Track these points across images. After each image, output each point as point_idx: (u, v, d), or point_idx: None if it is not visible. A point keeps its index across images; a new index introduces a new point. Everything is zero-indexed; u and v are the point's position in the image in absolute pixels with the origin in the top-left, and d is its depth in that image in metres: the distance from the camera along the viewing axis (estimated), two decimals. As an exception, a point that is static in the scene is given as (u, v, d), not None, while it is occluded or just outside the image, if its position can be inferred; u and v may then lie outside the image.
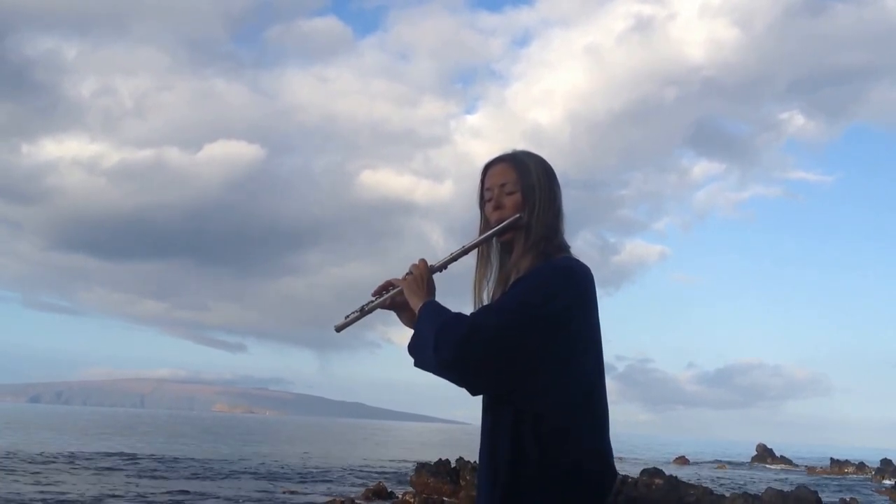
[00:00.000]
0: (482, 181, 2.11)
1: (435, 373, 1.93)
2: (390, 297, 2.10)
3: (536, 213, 2.02)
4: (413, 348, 2.02)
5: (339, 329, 2.11)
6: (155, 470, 21.99)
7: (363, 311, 2.10)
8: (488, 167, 2.11)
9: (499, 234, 2.06)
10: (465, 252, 2.10)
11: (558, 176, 2.10)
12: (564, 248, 2.05)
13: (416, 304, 2.04)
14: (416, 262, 2.10)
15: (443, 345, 1.89)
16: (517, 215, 2.03)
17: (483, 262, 2.12)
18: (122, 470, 21.46)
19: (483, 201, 2.11)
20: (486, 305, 2.03)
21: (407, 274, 2.10)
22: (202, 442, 42.50)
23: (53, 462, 22.57)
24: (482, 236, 2.09)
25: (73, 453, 26.14)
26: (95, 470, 20.44)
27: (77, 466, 20.59)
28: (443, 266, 2.10)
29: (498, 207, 2.06)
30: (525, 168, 2.06)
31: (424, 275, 2.08)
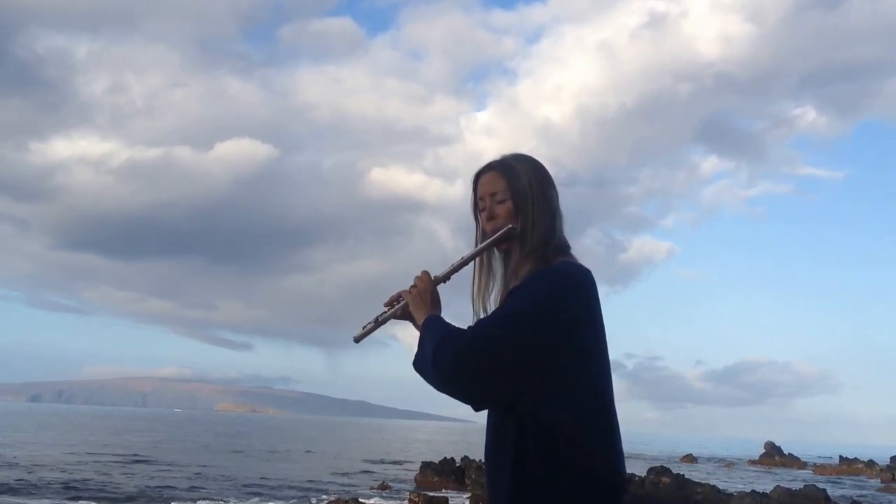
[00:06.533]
0: (474, 190, 2.11)
1: (437, 388, 1.93)
2: (401, 309, 2.12)
3: (531, 218, 2.01)
4: (417, 364, 2.01)
5: (357, 339, 2.17)
6: (151, 475, 21.84)
7: (377, 322, 2.15)
8: (479, 175, 2.10)
9: (494, 244, 2.06)
10: (464, 263, 2.11)
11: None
12: (564, 250, 2.04)
13: (419, 319, 2.05)
14: (420, 275, 2.09)
15: (441, 360, 1.89)
16: (509, 226, 2.03)
17: (483, 270, 2.12)
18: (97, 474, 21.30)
19: (477, 210, 2.11)
20: (484, 317, 2.02)
21: (412, 286, 2.10)
22: (198, 443, 42.33)
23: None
24: (479, 247, 2.09)
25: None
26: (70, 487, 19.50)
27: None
28: (445, 277, 2.11)
29: (491, 218, 2.06)
30: (515, 174, 2.04)
31: (428, 288, 2.07)
